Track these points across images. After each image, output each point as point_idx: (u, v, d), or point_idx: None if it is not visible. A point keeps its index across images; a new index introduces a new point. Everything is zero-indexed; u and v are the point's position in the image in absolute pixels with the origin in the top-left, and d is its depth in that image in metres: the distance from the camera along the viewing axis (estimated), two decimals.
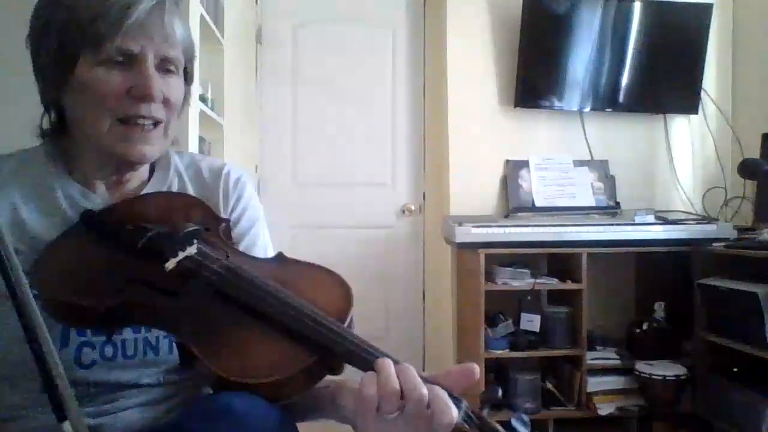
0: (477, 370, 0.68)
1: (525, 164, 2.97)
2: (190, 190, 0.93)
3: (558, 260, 2.79)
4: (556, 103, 2.99)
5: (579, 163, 3.01)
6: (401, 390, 0.63)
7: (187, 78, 0.88)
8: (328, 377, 0.71)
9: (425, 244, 3.27)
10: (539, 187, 2.94)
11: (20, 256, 0.77)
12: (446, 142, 3.01)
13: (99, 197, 0.86)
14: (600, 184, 3.00)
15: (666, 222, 2.74)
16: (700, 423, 2.54)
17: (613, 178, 3.02)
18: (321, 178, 3.21)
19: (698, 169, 3.16)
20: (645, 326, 2.71)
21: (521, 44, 2.90)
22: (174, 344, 0.81)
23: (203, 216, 0.85)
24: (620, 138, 3.10)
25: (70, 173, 0.86)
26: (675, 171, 3.13)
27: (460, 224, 2.59)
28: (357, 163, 3.22)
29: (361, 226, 3.22)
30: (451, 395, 0.65)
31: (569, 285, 2.62)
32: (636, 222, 2.69)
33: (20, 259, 0.77)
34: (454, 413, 0.63)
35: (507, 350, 2.59)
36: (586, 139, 3.05)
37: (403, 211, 3.25)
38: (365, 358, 0.66)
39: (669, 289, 2.76)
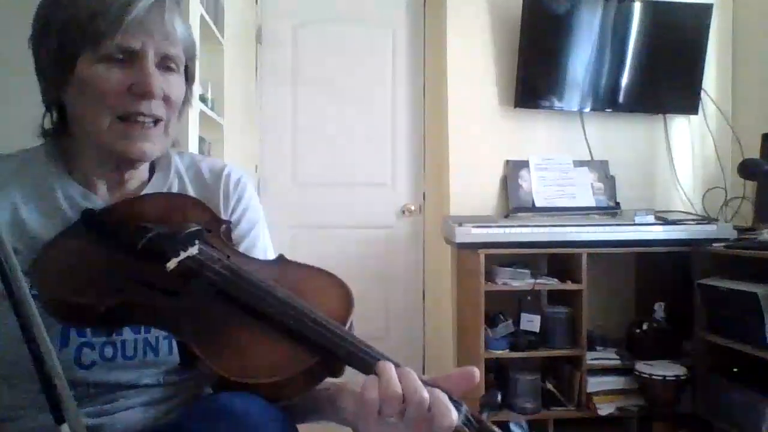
0: (477, 373, 0.68)
1: (525, 164, 2.97)
2: (191, 191, 0.93)
3: (558, 260, 2.79)
4: (556, 104, 2.99)
5: (579, 164, 3.01)
6: (402, 394, 0.63)
7: (188, 77, 0.88)
8: (328, 379, 0.71)
9: (425, 244, 3.27)
10: (539, 188, 2.94)
11: (19, 256, 0.77)
12: (446, 142, 3.01)
13: (99, 198, 0.86)
14: (600, 185, 3.00)
15: (666, 222, 2.74)
16: (700, 423, 2.54)
17: (613, 178, 3.02)
18: (321, 178, 3.21)
19: (698, 169, 3.16)
20: (645, 326, 2.71)
21: (521, 44, 2.90)
22: (174, 345, 0.81)
23: (204, 217, 0.86)
24: (620, 138, 3.10)
25: (70, 173, 0.86)
26: (675, 171, 3.13)
27: (460, 224, 2.59)
28: (357, 163, 3.22)
29: (361, 226, 3.22)
30: (451, 399, 0.65)
31: (569, 285, 2.62)
32: (636, 222, 2.69)
33: (19, 259, 0.77)
34: (454, 416, 0.63)
35: (507, 350, 2.59)
36: (586, 139, 3.05)
37: (403, 212, 3.25)
38: (366, 361, 0.66)
39: (669, 289, 2.76)
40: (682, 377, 2.47)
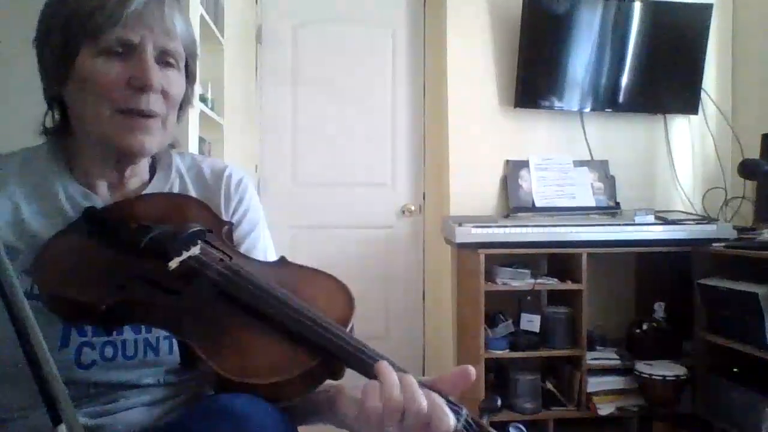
0: (473, 371, 0.69)
1: (525, 164, 2.97)
2: (192, 192, 0.93)
3: (558, 260, 2.79)
4: (556, 103, 2.99)
5: (579, 164, 3.01)
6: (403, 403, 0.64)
7: (189, 76, 0.88)
8: (328, 381, 0.71)
9: (425, 244, 3.27)
10: (539, 187, 2.94)
11: (20, 255, 0.78)
12: (446, 142, 3.01)
13: (100, 198, 0.86)
14: (600, 185, 3.00)
15: (666, 222, 2.74)
16: (700, 423, 2.54)
17: (613, 178, 3.02)
18: (321, 178, 3.21)
19: (698, 169, 3.16)
20: (645, 326, 2.71)
21: (521, 44, 2.90)
22: (174, 345, 0.81)
23: (206, 218, 0.86)
24: (620, 138, 3.10)
25: (71, 172, 0.86)
26: (675, 171, 3.13)
27: (460, 224, 2.59)
28: (357, 163, 3.22)
29: (361, 226, 3.22)
30: (451, 403, 0.66)
31: (569, 285, 2.63)
32: (636, 222, 2.69)
33: (20, 258, 0.77)
34: (452, 422, 0.64)
35: (507, 350, 2.59)
36: (586, 139, 3.05)
37: (403, 212, 3.25)
38: (367, 363, 0.66)
39: (669, 289, 2.76)
40: (682, 377, 2.48)
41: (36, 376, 0.53)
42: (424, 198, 3.27)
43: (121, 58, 0.78)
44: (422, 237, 3.28)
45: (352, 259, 3.12)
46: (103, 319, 0.72)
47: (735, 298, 2.33)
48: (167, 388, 0.84)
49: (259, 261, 0.86)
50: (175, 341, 0.81)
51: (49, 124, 0.87)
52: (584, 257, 2.59)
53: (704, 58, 3.01)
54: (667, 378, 2.46)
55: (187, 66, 0.87)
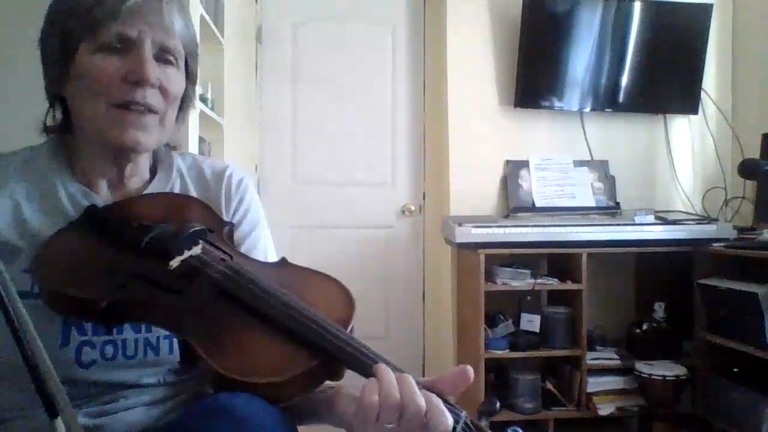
0: (471, 371, 0.69)
1: (525, 164, 2.97)
2: (193, 192, 0.93)
3: (558, 260, 2.79)
4: (556, 103, 2.99)
5: (579, 164, 3.01)
6: (401, 400, 0.64)
7: (189, 75, 0.88)
8: (327, 382, 0.71)
9: (425, 244, 3.27)
10: (539, 188, 2.94)
11: (21, 253, 0.78)
12: (446, 141, 3.01)
13: (101, 197, 0.86)
14: (600, 185, 3.00)
15: (666, 222, 2.74)
16: (700, 423, 2.54)
17: (613, 178, 3.02)
18: (321, 178, 3.21)
19: (698, 169, 3.16)
20: (645, 326, 2.71)
21: (521, 44, 2.90)
22: (174, 344, 0.81)
23: (207, 218, 0.86)
24: (620, 138, 3.10)
25: (72, 171, 0.86)
26: (675, 171, 3.13)
27: (460, 224, 2.59)
28: (357, 162, 3.22)
29: (361, 226, 3.21)
30: (450, 405, 0.66)
31: (569, 285, 2.63)
32: (636, 222, 2.69)
33: (20, 257, 0.77)
34: (450, 423, 0.64)
35: (507, 350, 2.59)
36: (586, 139, 3.05)
37: (403, 211, 3.25)
38: (366, 364, 0.66)
39: (669, 289, 2.76)
40: (682, 377, 2.48)
41: (32, 372, 0.53)
42: (424, 198, 3.27)
43: (119, 53, 0.79)
44: (422, 237, 3.28)
45: (352, 259, 3.12)
46: (103, 317, 0.72)
47: (735, 298, 2.33)
48: (167, 388, 0.84)
49: (259, 261, 0.86)
50: (175, 341, 0.81)
51: (49, 122, 0.88)
52: (584, 257, 2.59)
53: (704, 58, 3.01)
54: (667, 378, 2.46)
55: (187, 65, 0.87)
